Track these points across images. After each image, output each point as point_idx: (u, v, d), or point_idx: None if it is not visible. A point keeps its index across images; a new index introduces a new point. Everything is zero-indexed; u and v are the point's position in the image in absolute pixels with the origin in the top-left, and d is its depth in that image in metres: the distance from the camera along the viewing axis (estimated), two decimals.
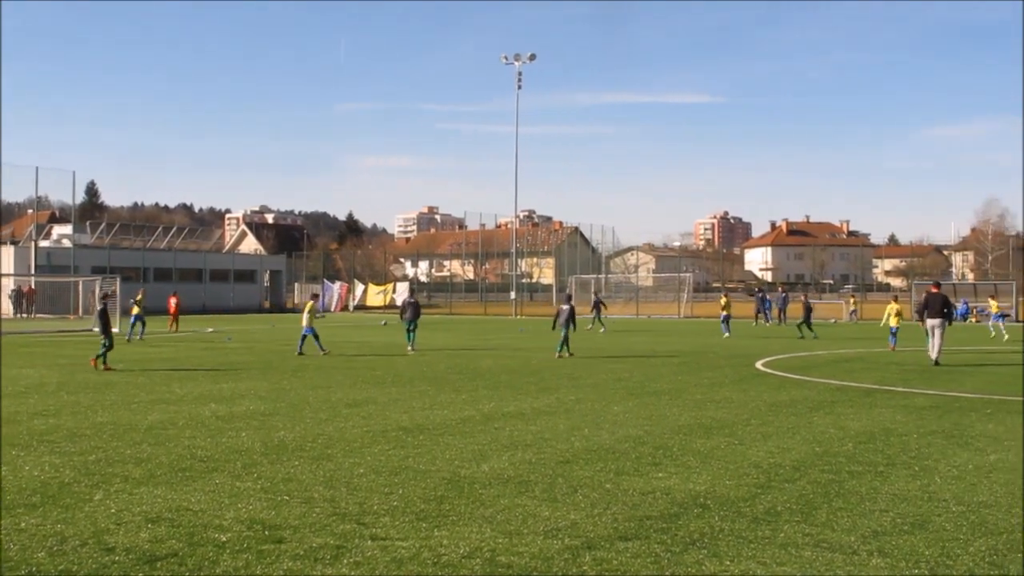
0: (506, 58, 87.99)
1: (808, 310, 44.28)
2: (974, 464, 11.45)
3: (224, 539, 7.88)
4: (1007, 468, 11.18)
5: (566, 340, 29.98)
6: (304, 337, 30.31)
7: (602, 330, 47.44)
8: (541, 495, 9.61)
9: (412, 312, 33.12)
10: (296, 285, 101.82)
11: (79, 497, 9.42)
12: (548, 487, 10.01)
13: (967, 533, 8.18)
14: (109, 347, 24.47)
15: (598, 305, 50.52)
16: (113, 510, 8.88)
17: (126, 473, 10.68)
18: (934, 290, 28.13)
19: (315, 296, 31.91)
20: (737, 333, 44.17)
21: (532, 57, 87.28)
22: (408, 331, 32.67)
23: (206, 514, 8.73)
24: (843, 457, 11.90)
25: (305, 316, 30.57)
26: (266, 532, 8.10)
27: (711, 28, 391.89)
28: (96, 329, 24.92)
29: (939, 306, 26.98)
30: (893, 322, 33.19)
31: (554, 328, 32.46)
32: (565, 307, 30.67)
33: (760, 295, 45.94)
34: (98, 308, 25.25)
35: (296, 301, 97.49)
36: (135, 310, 38.39)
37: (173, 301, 49.24)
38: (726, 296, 46.98)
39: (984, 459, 11.79)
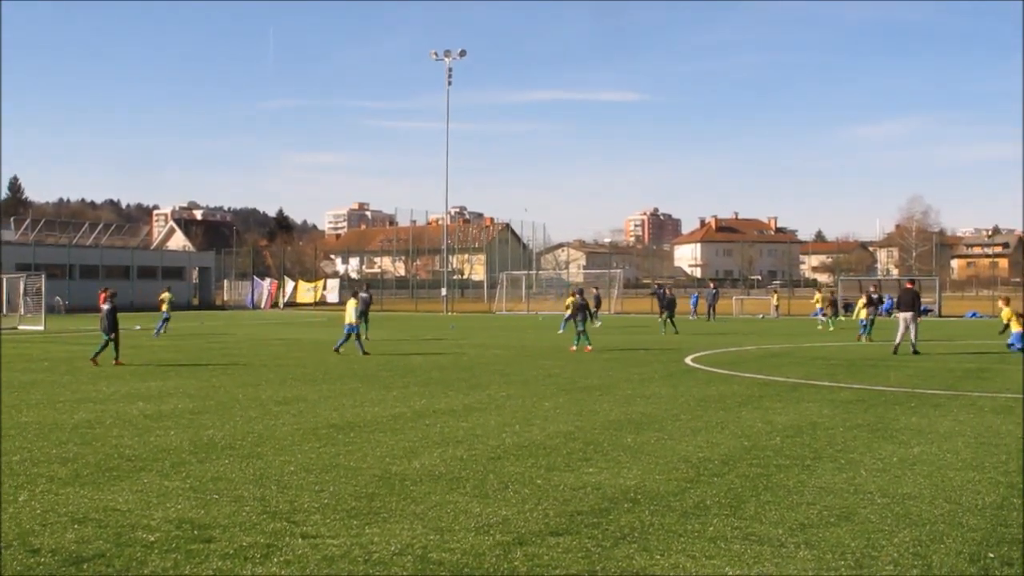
0: (436, 54, 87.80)
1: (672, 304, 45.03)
2: (898, 457, 11.63)
3: (152, 539, 7.79)
4: (930, 460, 11.37)
5: (583, 332, 31.49)
6: (347, 336, 29.17)
7: (598, 323, 47.75)
8: (472, 491, 9.62)
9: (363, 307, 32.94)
10: (225, 282, 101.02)
11: (3, 498, 9.26)
12: (479, 483, 10.02)
13: (891, 525, 8.31)
14: (106, 345, 25.16)
15: (597, 300, 52.50)
16: (38, 511, 8.74)
17: (51, 473, 10.52)
18: (908, 286, 30.93)
19: (355, 294, 31.30)
20: (656, 330, 44.43)
21: (462, 53, 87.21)
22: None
23: (134, 514, 8.62)
24: (771, 451, 12.04)
25: (351, 312, 29.53)
26: (195, 531, 8.03)
27: (639, 27, 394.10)
28: (102, 327, 25.43)
29: (911, 301, 29.73)
30: (862, 314, 36.58)
31: (566, 322, 33.95)
32: (579, 301, 32.50)
33: (660, 292, 46.46)
34: (106, 307, 25.50)
35: (226, 298, 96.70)
36: (164, 307, 40.71)
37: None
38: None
39: (908, 452, 11.99)
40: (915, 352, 28.77)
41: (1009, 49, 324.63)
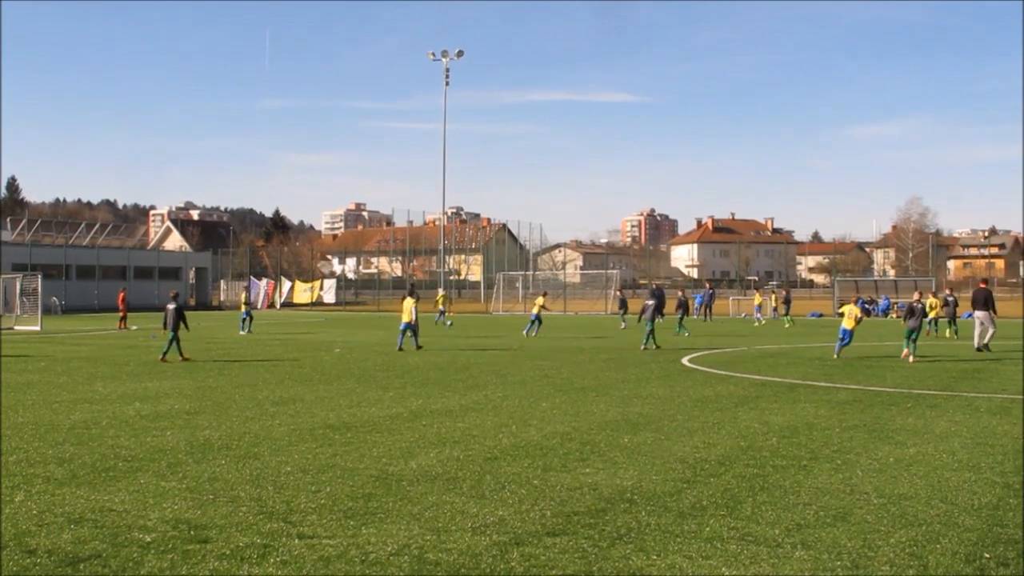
0: (433, 55, 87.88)
1: (684, 307, 45.11)
2: (894, 457, 11.65)
3: (148, 539, 7.79)
4: (926, 461, 11.39)
5: (651, 333, 32.14)
6: (403, 332, 31.44)
7: (623, 326, 47.79)
8: (469, 492, 9.62)
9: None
10: (222, 282, 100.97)
11: (0, 499, 9.26)
12: (476, 484, 10.02)
13: (888, 525, 8.32)
14: (172, 343, 26.45)
15: (624, 303, 52.02)
16: (35, 511, 8.74)
17: (48, 474, 10.52)
18: (982, 285, 32.67)
19: (412, 293, 32.43)
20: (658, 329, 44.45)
21: (460, 54, 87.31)
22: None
23: (130, 514, 8.62)
24: (767, 451, 12.05)
25: (413, 311, 31.14)
26: (191, 532, 8.03)
27: (636, 27, 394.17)
28: (166, 326, 26.86)
29: (983, 299, 30.85)
30: (848, 324, 27.87)
31: (639, 321, 33.74)
32: (650, 302, 32.85)
33: (659, 293, 46.85)
34: (172, 307, 26.93)
35: (222, 298, 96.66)
36: (244, 307, 44.32)
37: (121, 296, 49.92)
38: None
39: (904, 452, 12.00)
40: (987, 349, 29.91)
41: (1007, 49, 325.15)
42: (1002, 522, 8.42)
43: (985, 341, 30.20)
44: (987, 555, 7.42)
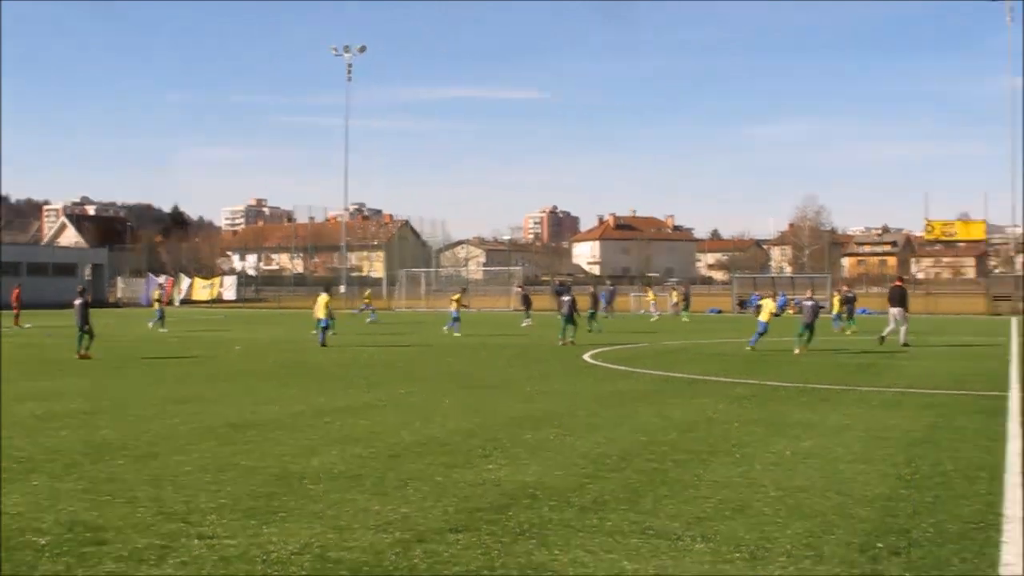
0: (336, 50, 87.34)
1: (596, 302, 45.56)
2: (791, 451, 11.86)
3: (43, 542, 7.63)
4: (821, 454, 11.61)
5: (568, 328, 32.88)
6: (323, 329, 32.30)
7: (524, 323, 48.37)
8: (372, 489, 9.59)
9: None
10: (119, 279, 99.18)
11: None
12: (379, 481, 9.99)
13: (785, 517, 8.47)
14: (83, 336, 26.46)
15: (527, 299, 53.59)
16: None
17: None
18: (897, 283, 33.96)
19: (325, 289, 36.09)
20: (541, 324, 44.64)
21: (362, 49, 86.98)
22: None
23: (24, 517, 8.43)
24: (667, 446, 12.19)
25: (326, 308, 32.59)
26: (88, 534, 7.88)
27: (540, 26, 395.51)
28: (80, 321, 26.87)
29: (899, 297, 31.93)
30: (764, 316, 29.18)
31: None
32: (566, 298, 33.62)
33: (562, 289, 47.74)
34: (79, 302, 27.08)
35: (119, 295, 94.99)
36: (158, 304, 43.13)
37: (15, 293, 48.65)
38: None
39: (800, 446, 12.22)
40: (905, 345, 30.51)
41: (901, 50, 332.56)
42: (894, 512, 8.63)
43: (902, 340, 31.02)
44: (880, 545, 7.59)
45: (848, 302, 42.94)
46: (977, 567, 7.03)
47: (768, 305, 29.59)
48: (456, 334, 38.58)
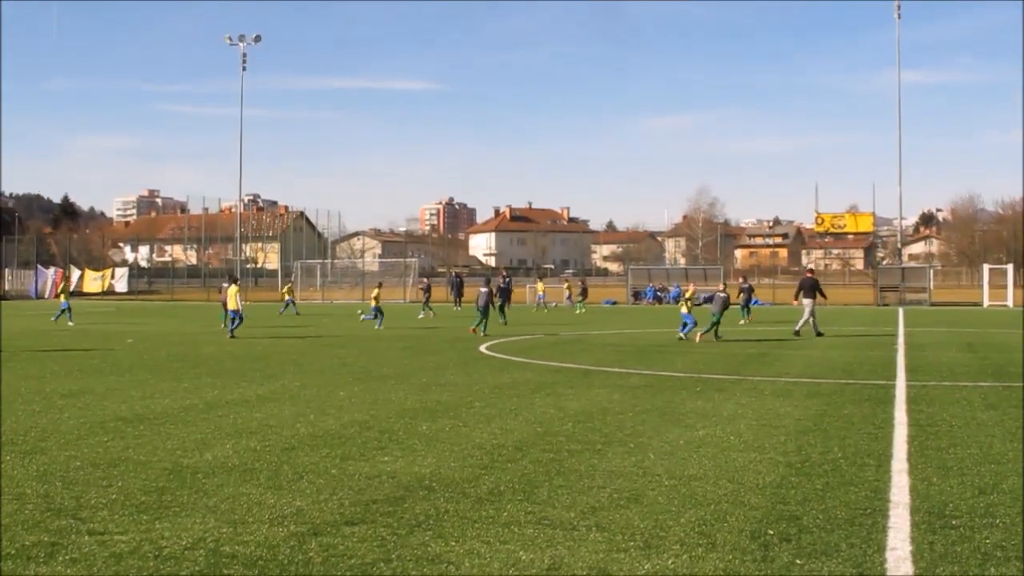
0: (230, 39, 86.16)
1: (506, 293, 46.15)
2: (684, 440, 12.00)
3: None
4: (714, 443, 11.77)
5: (486, 318, 33.66)
6: (233, 320, 32.41)
7: (421, 315, 48.79)
8: (266, 483, 9.49)
9: None
10: (7, 271, 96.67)
11: None
12: (273, 474, 9.90)
13: (678, 505, 8.57)
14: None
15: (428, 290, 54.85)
16: None
17: None
18: (808, 275, 34.82)
19: (234, 280, 35.46)
20: (443, 315, 44.76)
21: (257, 39, 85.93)
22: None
23: None
24: (563, 436, 12.25)
25: (237, 298, 32.59)
26: None
27: (436, 15, 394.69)
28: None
29: (811, 287, 33.01)
30: (684, 308, 29.89)
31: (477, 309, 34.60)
32: (484, 289, 34.62)
33: (457, 280, 47.97)
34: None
35: (7, 287, 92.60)
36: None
37: None
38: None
39: (694, 434, 12.38)
40: (819, 335, 31.54)
41: (790, 47, 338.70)
42: (784, 500, 8.78)
43: (818, 329, 32.15)
44: (771, 531, 7.72)
45: (744, 292, 43.88)
46: (864, 552, 7.18)
47: (687, 294, 30.93)
48: (377, 327, 37.90)
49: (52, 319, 43.12)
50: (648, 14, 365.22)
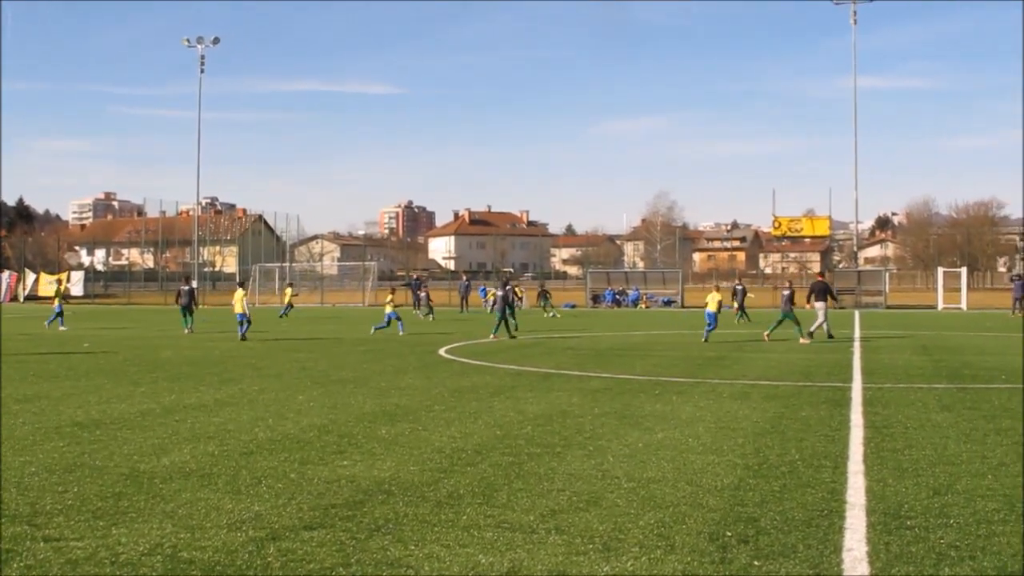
0: (188, 41, 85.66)
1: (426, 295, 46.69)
2: (643, 442, 12.05)
3: None
4: (673, 445, 11.82)
5: (504, 322, 33.76)
6: (241, 323, 32.48)
7: (416, 313, 50.00)
8: (224, 487, 9.44)
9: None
10: None
11: None
12: (231, 479, 9.84)
13: (637, 508, 8.60)
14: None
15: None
16: None
17: None
18: (819, 278, 35.17)
19: (242, 285, 36.62)
20: (409, 322, 44.70)
21: (216, 41, 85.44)
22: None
23: None
24: (522, 440, 12.27)
25: (244, 302, 33.04)
26: None
27: (397, 20, 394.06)
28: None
29: (823, 291, 33.30)
30: (712, 307, 31.24)
31: (491, 311, 35.92)
32: (499, 293, 34.68)
33: (416, 283, 48.63)
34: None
35: None
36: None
37: None
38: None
39: (652, 437, 12.43)
40: (830, 337, 32.41)
41: (748, 51, 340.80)
42: (742, 502, 8.83)
43: (831, 332, 32.87)
44: (729, 533, 7.77)
45: (738, 294, 45.14)
46: (821, 552, 7.24)
47: (713, 297, 31.30)
48: (400, 333, 36.22)
49: (45, 324, 42.20)
50: (607, 19, 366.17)
